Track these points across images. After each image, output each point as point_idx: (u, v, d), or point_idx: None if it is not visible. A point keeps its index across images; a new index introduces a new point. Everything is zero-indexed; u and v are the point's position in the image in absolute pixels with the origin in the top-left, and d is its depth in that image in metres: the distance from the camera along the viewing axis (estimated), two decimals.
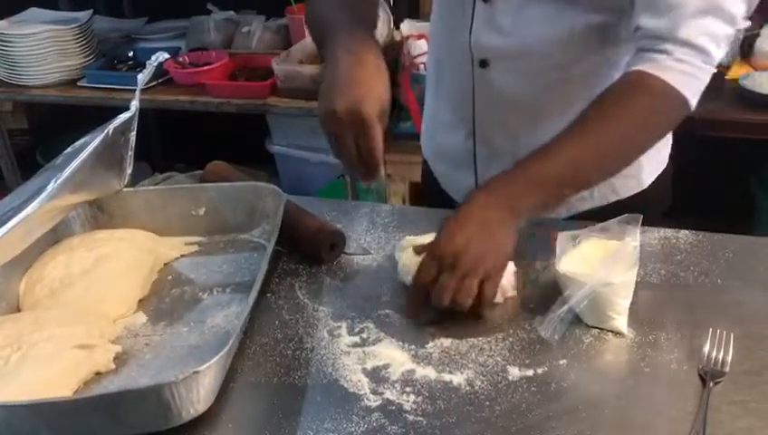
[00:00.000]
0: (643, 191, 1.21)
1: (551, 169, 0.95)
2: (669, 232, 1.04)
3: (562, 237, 0.93)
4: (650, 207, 1.00)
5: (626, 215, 0.93)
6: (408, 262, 0.97)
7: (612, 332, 0.89)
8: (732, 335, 0.85)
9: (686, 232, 1.05)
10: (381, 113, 0.93)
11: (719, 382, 0.80)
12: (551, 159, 0.95)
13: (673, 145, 1.26)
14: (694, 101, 0.97)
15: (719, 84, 2.00)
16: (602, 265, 0.88)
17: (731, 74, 2.05)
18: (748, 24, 2.04)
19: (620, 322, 0.88)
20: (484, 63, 1.15)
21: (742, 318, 0.90)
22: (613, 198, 1.20)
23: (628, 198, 1.20)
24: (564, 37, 1.08)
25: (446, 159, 1.33)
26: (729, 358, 0.83)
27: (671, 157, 1.25)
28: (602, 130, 0.97)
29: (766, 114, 1.90)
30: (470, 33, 1.14)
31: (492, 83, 1.16)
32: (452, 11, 1.17)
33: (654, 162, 1.23)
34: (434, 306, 0.90)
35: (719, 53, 0.97)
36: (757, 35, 2.14)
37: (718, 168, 2.23)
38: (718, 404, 0.77)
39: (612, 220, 0.93)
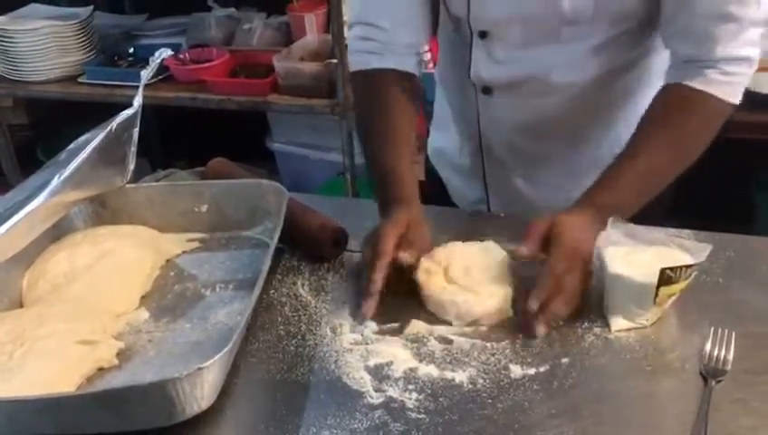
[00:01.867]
0: None
1: (617, 200, 0.97)
2: (672, 231, 1.04)
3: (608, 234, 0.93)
4: (653, 207, 1.00)
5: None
6: (426, 279, 0.95)
7: (611, 331, 0.89)
8: (733, 334, 0.86)
9: (688, 231, 1.05)
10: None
11: (720, 381, 0.80)
12: (615, 190, 0.99)
13: None
14: (738, 100, 1.02)
15: None
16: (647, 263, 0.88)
17: None
18: None
19: (647, 317, 0.89)
20: (487, 90, 1.16)
21: (743, 317, 0.90)
22: None
23: None
24: (563, 63, 1.08)
25: (453, 169, 1.34)
26: (730, 357, 0.83)
27: None
28: (661, 152, 1.00)
29: (767, 115, 1.91)
30: (469, 65, 1.14)
31: (496, 109, 1.17)
32: (455, 44, 1.19)
33: None
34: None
35: (758, 51, 1.00)
36: None
37: (719, 168, 2.23)
38: (720, 403, 0.78)
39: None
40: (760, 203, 2.16)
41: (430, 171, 1.40)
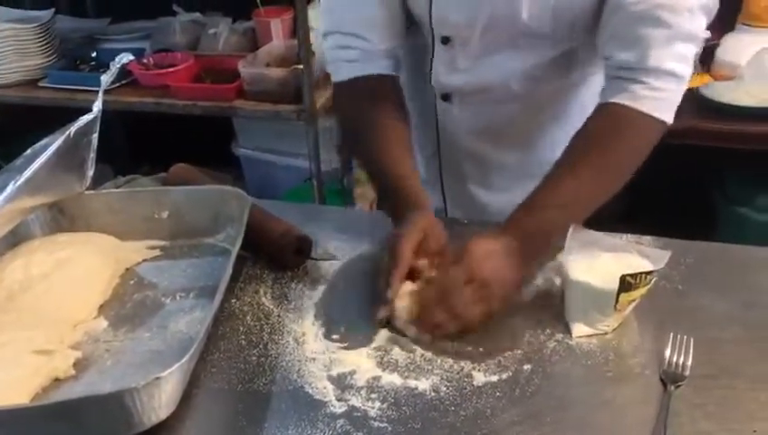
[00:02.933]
0: None
1: (541, 226, 0.96)
2: (632, 238, 1.05)
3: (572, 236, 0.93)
4: (606, 213, 1.01)
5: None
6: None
7: (572, 338, 0.90)
8: (692, 340, 0.87)
9: (648, 238, 1.07)
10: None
11: (679, 386, 0.81)
12: (538, 217, 0.96)
13: None
14: (671, 120, 1.00)
15: None
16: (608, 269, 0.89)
17: (691, 84, 2.08)
18: (708, 35, 2.08)
19: (608, 324, 0.90)
20: (446, 97, 1.16)
21: (701, 323, 0.91)
22: None
23: None
24: (524, 71, 1.09)
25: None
26: (689, 362, 0.84)
27: None
28: (591, 173, 0.98)
29: (725, 123, 1.94)
30: (430, 70, 1.14)
31: (455, 116, 1.18)
32: (415, 50, 1.18)
33: None
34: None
35: (689, 71, 1.00)
36: (717, 46, 2.19)
37: (679, 175, 2.28)
38: (679, 408, 0.79)
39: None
40: (720, 210, 2.20)
41: None
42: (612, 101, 1.00)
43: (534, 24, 1.02)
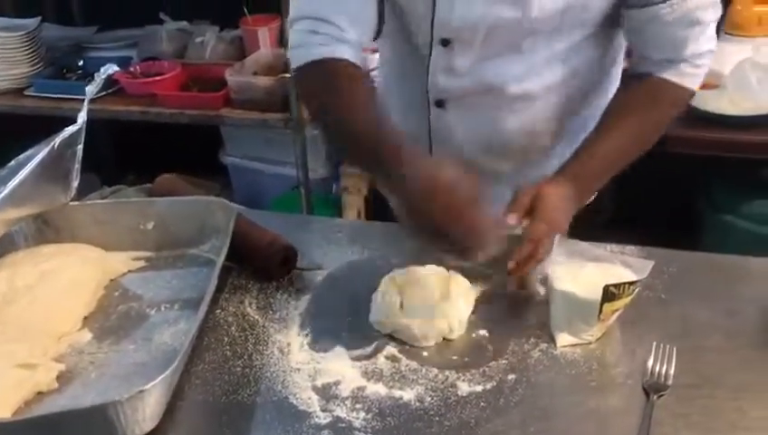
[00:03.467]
0: (583, 207, 1.24)
1: (590, 174, 1.07)
2: (616, 247, 1.06)
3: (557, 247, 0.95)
4: (590, 222, 1.03)
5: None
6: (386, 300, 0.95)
7: (556, 347, 0.90)
8: (674, 349, 0.87)
9: (632, 247, 1.07)
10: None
11: (662, 396, 0.82)
12: (589, 165, 1.07)
13: None
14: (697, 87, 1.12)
15: None
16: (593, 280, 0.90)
17: None
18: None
19: (592, 333, 0.91)
20: (440, 103, 1.16)
21: (684, 332, 0.92)
22: None
23: None
24: (525, 70, 1.09)
25: None
26: (672, 372, 0.85)
27: None
28: (628, 135, 1.08)
29: (709, 131, 1.96)
30: (427, 75, 1.14)
31: (449, 122, 1.17)
32: (407, 54, 1.17)
33: None
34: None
35: (715, 42, 1.09)
36: None
37: (663, 183, 2.29)
38: (661, 417, 0.79)
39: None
40: (705, 219, 2.21)
41: (375, 190, 1.38)
42: (657, 75, 1.08)
43: (542, 20, 1.03)
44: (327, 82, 1.05)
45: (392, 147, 0.91)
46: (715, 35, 1.08)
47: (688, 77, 1.08)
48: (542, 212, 0.97)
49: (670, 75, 1.07)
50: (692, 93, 1.11)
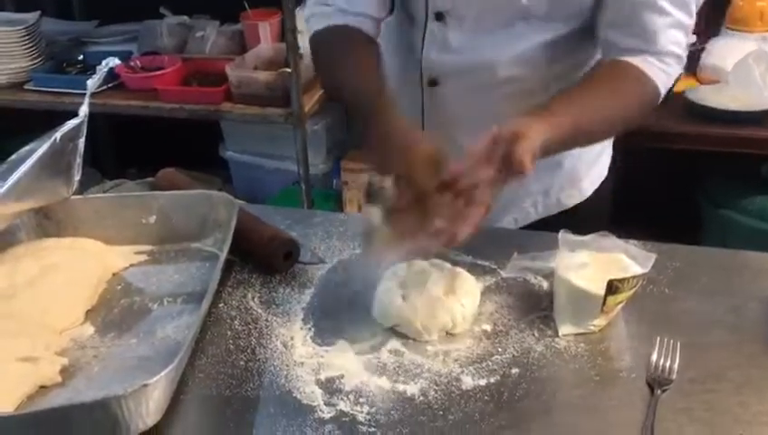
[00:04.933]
0: (584, 201, 1.24)
1: (571, 112, 0.98)
2: (618, 242, 1.06)
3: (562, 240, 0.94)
4: (592, 217, 1.02)
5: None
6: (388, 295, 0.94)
7: (560, 340, 0.90)
8: (678, 344, 0.87)
9: (635, 241, 1.07)
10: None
11: (666, 390, 0.82)
12: (569, 105, 0.99)
13: (620, 157, 1.29)
14: (663, 93, 1.07)
15: (666, 97, 2.05)
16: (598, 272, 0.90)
17: (677, 88, 2.10)
18: (695, 38, 2.10)
19: (595, 324, 0.91)
20: (433, 82, 1.16)
21: (688, 327, 0.92)
22: (556, 210, 1.23)
23: (571, 208, 1.23)
24: (517, 54, 1.09)
25: None
26: (676, 366, 0.84)
27: (614, 168, 1.28)
28: (599, 100, 1.03)
29: (711, 127, 1.96)
30: (421, 51, 1.14)
31: (442, 102, 1.17)
32: (402, 29, 1.18)
33: (594, 174, 1.26)
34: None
35: (684, 55, 1.08)
36: (702, 50, 2.21)
37: (665, 179, 2.29)
38: (665, 412, 0.79)
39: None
40: (705, 214, 2.21)
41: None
42: (622, 58, 1.05)
43: (532, 5, 1.04)
44: (341, 42, 1.12)
45: (381, 103, 0.99)
46: (684, 49, 1.07)
47: (654, 68, 1.05)
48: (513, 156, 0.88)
49: (636, 61, 1.05)
50: (656, 90, 1.05)
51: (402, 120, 0.98)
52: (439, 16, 1.10)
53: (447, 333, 0.92)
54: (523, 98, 1.13)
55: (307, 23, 1.18)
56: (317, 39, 1.17)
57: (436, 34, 1.12)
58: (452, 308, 0.92)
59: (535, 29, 1.07)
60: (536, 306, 0.96)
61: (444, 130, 1.20)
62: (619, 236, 1.07)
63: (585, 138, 1.06)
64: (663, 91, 1.07)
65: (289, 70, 2.09)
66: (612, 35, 1.07)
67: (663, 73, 1.05)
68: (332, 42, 1.14)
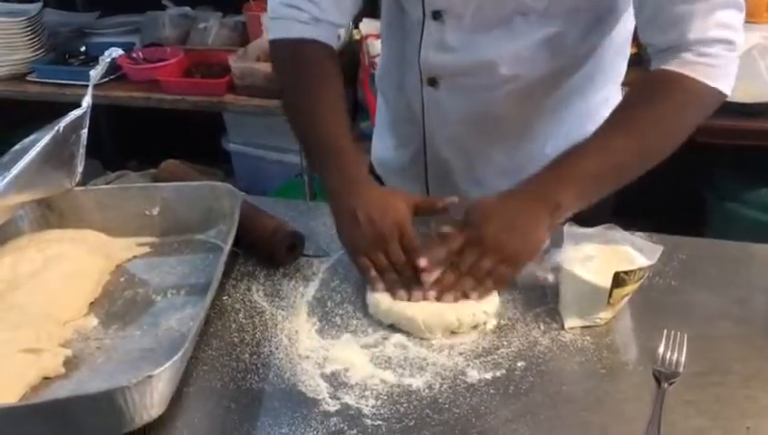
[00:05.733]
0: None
1: (587, 165, 0.95)
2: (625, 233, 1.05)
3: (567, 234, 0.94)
4: (594, 209, 1.01)
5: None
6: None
7: (566, 333, 0.90)
8: (685, 336, 0.87)
9: (641, 234, 1.06)
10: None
11: (673, 383, 0.81)
12: (585, 156, 0.96)
13: None
14: (727, 88, 0.99)
15: None
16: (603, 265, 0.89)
17: None
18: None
19: (601, 317, 0.90)
20: (432, 82, 1.15)
21: (694, 319, 0.91)
22: None
23: None
24: (512, 54, 1.08)
25: (394, 172, 1.32)
26: (683, 359, 0.84)
27: None
28: (636, 131, 0.97)
29: (716, 118, 1.92)
30: (419, 50, 1.13)
31: (442, 102, 1.16)
32: (400, 28, 1.16)
33: None
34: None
35: (739, 36, 0.97)
36: None
37: (669, 172, 2.28)
38: (672, 405, 0.78)
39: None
40: (710, 206, 2.21)
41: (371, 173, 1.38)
42: (661, 68, 0.98)
43: (530, 2, 1.02)
44: (302, 67, 1.11)
45: (341, 166, 1.00)
46: (736, 26, 0.96)
47: (691, 65, 0.96)
48: (468, 224, 0.94)
49: (672, 66, 0.97)
50: (708, 88, 0.97)
51: (375, 187, 1.01)
52: (436, 15, 1.09)
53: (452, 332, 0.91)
54: (523, 96, 1.12)
55: (271, 21, 1.15)
56: (283, 54, 1.15)
57: (433, 34, 1.10)
58: (459, 308, 0.91)
59: (534, 26, 1.05)
60: (542, 299, 0.95)
61: (444, 132, 1.19)
62: (625, 229, 1.06)
63: (620, 170, 0.99)
64: (719, 83, 0.97)
65: None
66: (650, 36, 1.01)
67: (710, 69, 0.96)
68: (300, 68, 1.11)
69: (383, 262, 0.94)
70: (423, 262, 0.93)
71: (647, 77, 1.02)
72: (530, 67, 1.09)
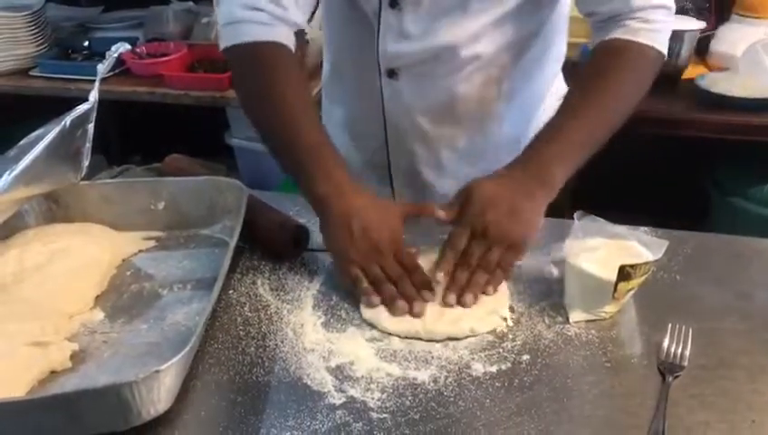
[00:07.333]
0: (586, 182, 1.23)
1: (571, 138, 0.98)
2: (630, 228, 1.05)
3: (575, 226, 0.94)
4: (598, 202, 1.02)
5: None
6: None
7: (571, 327, 0.90)
8: (690, 330, 0.87)
9: (646, 229, 1.06)
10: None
11: (678, 377, 0.82)
12: (568, 131, 0.99)
13: (627, 143, 1.28)
14: (665, 50, 1.05)
15: (675, 84, 2.04)
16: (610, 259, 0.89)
17: (687, 74, 2.09)
18: (704, 24, 2.08)
19: (606, 310, 0.91)
20: (391, 74, 1.14)
21: (699, 313, 0.92)
22: None
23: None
24: (474, 32, 1.08)
25: (355, 167, 1.27)
26: (687, 353, 0.84)
27: (610, 155, 1.27)
28: (605, 101, 1.02)
29: (720, 114, 1.94)
30: (377, 41, 1.12)
31: (403, 93, 1.15)
32: (355, 19, 1.15)
33: None
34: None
35: (672, 3, 1.05)
36: (712, 36, 2.19)
37: (673, 166, 2.28)
38: (677, 398, 0.79)
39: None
40: (715, 201, 2.21)
41: None
42: (609, 37, 1.03)
43: None
44: (265, 70, 1.06)
45: (327, 170, 0.98)
46: None
47: (641, 33, 1.02)
48: (470, 215, 0.94)
49: (619, 34, 1.03)
50: (655, 52, 1.03)
51: (367, 196, 0.98)
52: (393, 3, 1.07)
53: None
54: (481, 75, 1.13)
55: (224, 27, 1.09)
56: (241, 60, 1.09)
57: (391, 23, 1.09)
58: (468, 314, 0.91)
59: (488, 5, 1.06)
60: (547, 293, 0.96)
61: (405, 122, 1.18)
62: (630, 224, 1.06)
63: (592, 143, 1.02)
64: (662, 48, 1.04)
65: None
66: (593, 5, 1.06)
67: (654, 33, 1.03)
68: (263, 72, 1.06)
69: (378, 274, 0.93)
70: (440, 276, 0.93)
71: (601, 47, 1.05)
72: (488, 45, 1.10)
